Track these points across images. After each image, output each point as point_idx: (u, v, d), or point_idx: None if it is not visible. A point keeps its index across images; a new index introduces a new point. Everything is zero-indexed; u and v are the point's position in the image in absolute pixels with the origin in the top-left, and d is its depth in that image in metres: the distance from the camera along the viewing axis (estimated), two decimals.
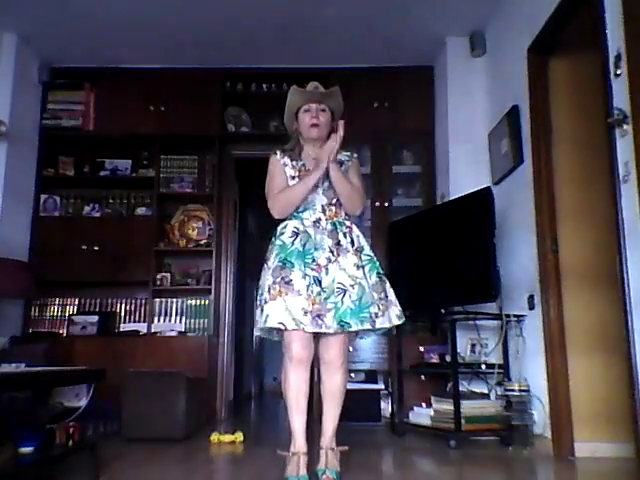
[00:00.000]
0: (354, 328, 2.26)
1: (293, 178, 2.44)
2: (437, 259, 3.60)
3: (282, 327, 2.21)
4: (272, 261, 2.33)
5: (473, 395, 3.42)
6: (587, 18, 2.63)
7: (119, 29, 4.09)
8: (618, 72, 2.31)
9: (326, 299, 2.25)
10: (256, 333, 2.49)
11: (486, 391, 3.46)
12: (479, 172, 3.86)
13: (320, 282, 2.27)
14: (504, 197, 3.53)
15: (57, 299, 4.48)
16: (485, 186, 3.43)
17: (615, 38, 2.34)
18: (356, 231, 2.44)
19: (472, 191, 3.44)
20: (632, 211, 2.22)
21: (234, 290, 4.91)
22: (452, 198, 3.85)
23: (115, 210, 4.60)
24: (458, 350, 3.37)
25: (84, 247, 4.33)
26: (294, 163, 2.47)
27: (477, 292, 3.27)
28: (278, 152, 2.52)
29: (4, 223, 3.99)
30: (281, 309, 2.21)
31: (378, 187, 4.46)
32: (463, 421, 3.10)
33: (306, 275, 2.27)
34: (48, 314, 4.44)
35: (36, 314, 4.41)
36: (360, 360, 4.11)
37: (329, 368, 2.33)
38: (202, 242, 4.57)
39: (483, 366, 3.38)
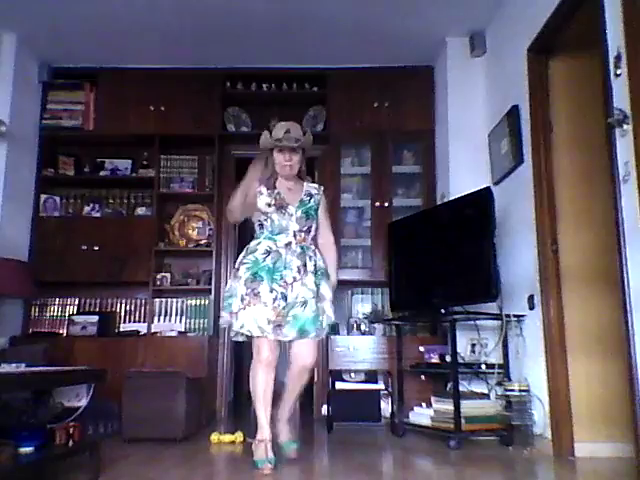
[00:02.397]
0: (312, 335, 2.68)
1: (269, 205, 2.77)
2: (437, 259, 3.60)
3: (249, 334, 2.63)
4: (243, 272, 2.69)
5: (473, 395, 3.42)
6: (587, 18, 2.63)
7: (119, 29, 4.09)
8: (618, 72, 2.31)
9: (288, 312, 2.64)
10: (231, 335, 2.83)
11: (486, 391, 3.46)
12: (479, 172, 3.87)
13: (286, 297, 2.65)
14: (504, 197, 3.53)
15: (57, 299, 4.48)
16: (485, 186, 3.42)
17: (615, 38, 2.34)
18: (319, 255, 2.85)
19: (472, 191, 3.44)
20: (632, 211, 2.22)
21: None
22: (452, 198, 3.85)
23: (115, 210, 4.60)
24: (458, 350, 3.36)
25: (84, 247, 4.33)
26: (269, 192, 2.80)
27: (477, 292, 3.27)
28: (256, 182, 2.83)
29: (4, 223, 3.99)
30: (249, 318, 2.61)
31: (378, 187, 4.46)
32: (463, 421, 3.10)
33: (273, 289, 2.64)
34: (48, 314, 4.44)
35: (36, 314, 4.41)
36: (360, 360, 4.11)
37: (300, 369, 2.75)
38: (202, 242, 4.57)
39: (483, 366, 3.37)
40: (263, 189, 2.80)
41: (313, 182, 3.03)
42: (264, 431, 2.63)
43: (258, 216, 2.83)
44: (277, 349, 2.71)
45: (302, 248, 2.76)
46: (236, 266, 2.78)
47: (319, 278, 2.77)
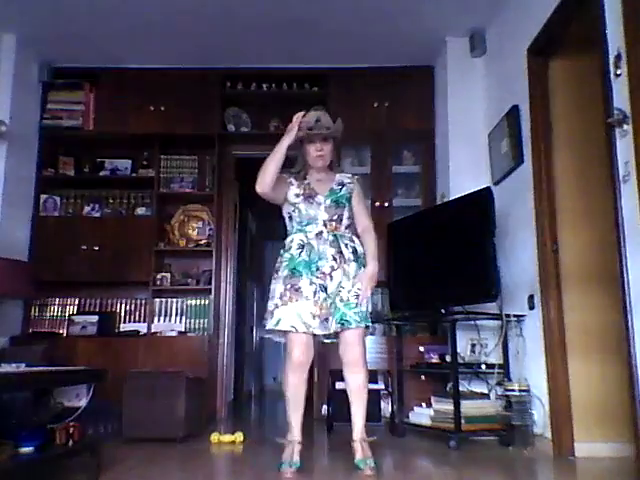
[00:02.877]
0: (354, 325, 2.53)
1: (297, 196, 2.68)
2: (437, 259, 3.60)
3: (294, 330, 2.50)
4: (282, 271, 2.61)
5: (473, 395, 3.42)
6: (587, 18, 2.63)
7: (119, 29, 4.09)
8: (618, 72, 2.31)
9: (332, 304, 2.53)
10: (266, 335, 2.79)
11: (486, 391, 3.46)
12: (479, 172, 3.87)
13: (326, 289, 2.55)
14: (504, 197, 3.53)
15: (57, 299, 4.48)
16: (485, 186, 3.43)
17: (615, 38, 2.34)
18: (357, 241, 2.71)
19: (472, 191, 3.44)
20: (632, 211, 2.22)
21: (234, 290, 4.91)
22: (452, 198, 3.85)
23: (115, 210, 4.60)
24: (458, 350, 3.36)
25: (84, 247, 4.33)
26: (299, 182, 2.71)
27: (477, 292, 3.27)
28: (286, 174, 2.73)
29: (4, 223, 3.99)
30: (292, 314, 2.50)
31: (378, 187, 4.46)
32: (463, 421, 3.10)
33: (312, 282, 2.54)
34: (48, 314, 4.43)
35: (36, 314, 4.41)
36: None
37: (350, 368, 2.60)
38: (202, 242, 4.57)
39: (483, 366, 3.38)
40: (293, 180, 2.71)
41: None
42: (294, 432, 2.57)
43: (287, 208, 2.73)
44: (310, 350, 2.56)
45: (335, 236, 2.63)
46: (275, 268, 2.67)
47: (360, 265, 2.63)
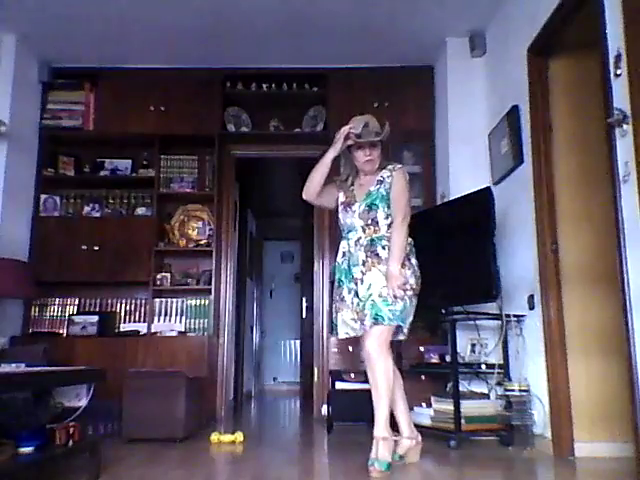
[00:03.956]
0: (386, 322, 2.55)
1: (342, 204, 2.77)
2: (437, 259, 3.59)
3: (347, 336, 2.71)
4: (335, 281, 2.79)
5: (473, 395, 3.42)
6: (587, 18, 2.63)
7: (119, 29, 4.09)
8: (618, 72, 2.31)
9: (363, 307, 2.60)
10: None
11: (486, 391, 3.46)
12: (479, 172, 3.87)
13: (357, 293, 2.65)
14: (504, 197, 3.53)
15: (57, 299, 4.47)
16: (485, 186, 3.43)
17: (615, 38, 2.34)
18: None
19: (472, 191, 3.44)
20: (632, 211, 2.22)
21: (234, 290, 4.91)
22: (452, 198, 3.85)
23: (115, 210, 4.60)
24: (458, 350, 3.37)
25: (84, 247, 4.32)
26: (345, 189, 2.79)
27: (477, 292, 3.27)
28: (338, 181, 2.82)
29: (4, 223, 3.99)
30: (341, 323, 2.71)
31: None
32: (463, 421, 3.10)
33: (350, 290, 2.68)
34: (48, 314, 4.43)
35: (36, 314, 4.41)
36: (360, 360, 4.11)
37: (368, 362, 2.61)
38: (202, 242, 4.56)
39: (483, 366, 3.37)
40: (341, 186, 2.80)
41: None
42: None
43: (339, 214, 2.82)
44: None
45: (371, 240, 2.65)
46: None
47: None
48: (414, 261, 2.72)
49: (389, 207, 2.67)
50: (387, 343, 2.59)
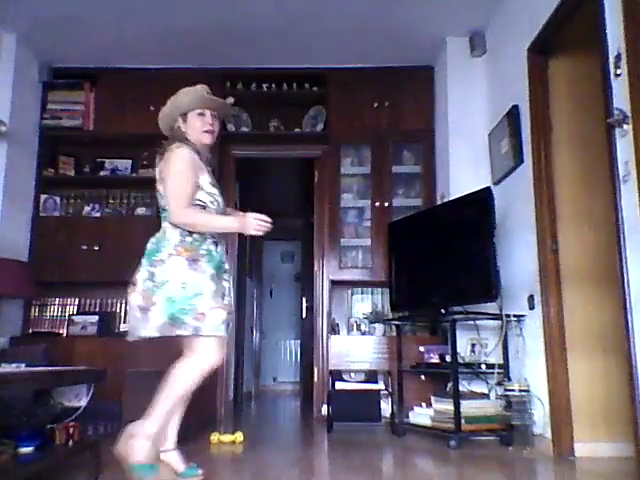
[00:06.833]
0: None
1: (214, 186, 2.35)
2: (437, 259, 3.60)
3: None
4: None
5: (473, 395, 3.42)
6: (587, 18, 2.63)
7: (119, 29, 4.09)
8: (618, 72, 2.31)
9: None
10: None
11: (486, 391, 3.46)
12: (479, 172, 3.87)
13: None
14: (504, 197, 3.53)
15: (57, 299, 4.48)
16: (485, 186, 3.43)
17: (615, 38, 2.34)
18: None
19: (472, 191, 3.44)
20: (632, 211, 2.22)
21: (234, 290, 4.89)
22: (452, 198, 3.85)
23: (115, 210, 4.60)
24: (458, 350, 3.36)
25: (84, 247, 4.32)
26: (207, 168, 2.33)
27: (477, 292, 3.27)
28: (188, 150, 2.31)
29: (4, 223, 3.99)
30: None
31: (378, 187, 4.46)
32: (463, 421, 3.10)
33: None
34: (48, 314, 4.43)
35: (36, 314, 4.41)
36: (360, 360, 4.11)
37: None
38: None
39: (483, 366, 3.38)
40: (202, 163, 2.40)
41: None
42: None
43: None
44: None
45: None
46: None
47: None
48: None
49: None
50: None
